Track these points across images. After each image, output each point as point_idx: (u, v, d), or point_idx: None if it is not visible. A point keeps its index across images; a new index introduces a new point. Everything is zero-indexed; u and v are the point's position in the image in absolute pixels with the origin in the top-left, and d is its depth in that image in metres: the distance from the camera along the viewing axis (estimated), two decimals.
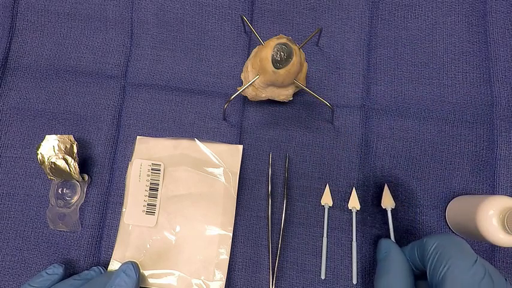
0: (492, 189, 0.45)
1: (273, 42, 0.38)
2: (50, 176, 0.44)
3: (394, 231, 0.42)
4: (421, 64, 0.49)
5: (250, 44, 0.50)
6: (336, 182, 0.46)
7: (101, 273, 0.42)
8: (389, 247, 0.38)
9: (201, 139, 0.46)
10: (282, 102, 0.47)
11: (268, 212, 0.45)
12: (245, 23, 0.49)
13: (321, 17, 0.50)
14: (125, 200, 0.45)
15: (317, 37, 0.49)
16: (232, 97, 0.41)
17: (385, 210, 0.44)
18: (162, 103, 0.48)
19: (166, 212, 0.44)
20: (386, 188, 0.44)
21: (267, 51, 0.38)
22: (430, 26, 0.50)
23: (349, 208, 0.45)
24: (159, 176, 0.45)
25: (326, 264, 0.44)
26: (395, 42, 0.49)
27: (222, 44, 0.50)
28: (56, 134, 0.45)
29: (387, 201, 0.44)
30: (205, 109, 0.48)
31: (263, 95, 0.43)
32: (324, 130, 0.47)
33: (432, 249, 0.33)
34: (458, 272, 0.30)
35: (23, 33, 0.50)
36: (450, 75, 0.48)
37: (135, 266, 0.40)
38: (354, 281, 0.43)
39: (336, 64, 0.49)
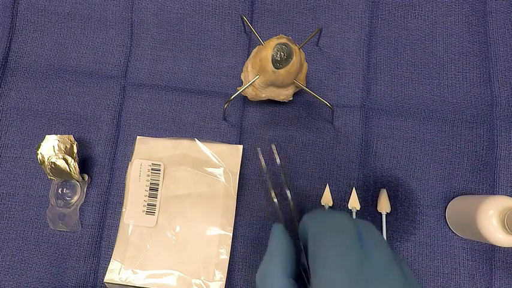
0: (492, 189, 0.45)
1: (273, 42, 0.38)
2: (50, 176, 0.44)
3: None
4: (421, 64, 0.49)
5: (250, 44, 0.50)
6: (336, 182, 0.46)
7: None
8: (276, 235, 0.31)
9: (201, 139, 0.46)
10: (282, 102, 0.47)
11: (276, 207, 0.45)
12: (245, 23, 0.49)
13: (321, 17, 0.50)
14: (124, 200, 0.45)
15: (317, 37, 0.49)
16: (232, 97, 0.41)
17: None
18: (162, 103, 0.48)
19: (166, 212, 0.44)
20: (384, 192, 0.44)
21: (267, 51, 0.38)
22: (430, 26, 0.50)
23: (349, 208, 0.45)
24: (159, 176, 0.45)
25: None
26: (395, 42, 0.49)
27: (222, 44, 0.50)
28: (56, 134, 0.45)
29: (384, 206, 0.44)
30: (205, 109, 0.48)
31: (263, 95, 0.43)
32: (324, 130, 0.47)
33: (311, 242, 0.28)
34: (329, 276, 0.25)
35: (23, 33, 0.50)
36: (450, 75, 0.48)
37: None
38: None
39: (336, 64, 0.49)
